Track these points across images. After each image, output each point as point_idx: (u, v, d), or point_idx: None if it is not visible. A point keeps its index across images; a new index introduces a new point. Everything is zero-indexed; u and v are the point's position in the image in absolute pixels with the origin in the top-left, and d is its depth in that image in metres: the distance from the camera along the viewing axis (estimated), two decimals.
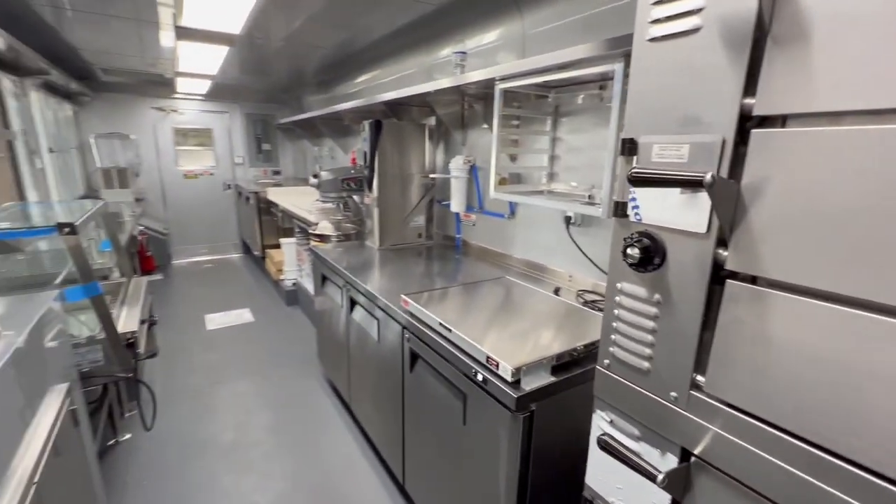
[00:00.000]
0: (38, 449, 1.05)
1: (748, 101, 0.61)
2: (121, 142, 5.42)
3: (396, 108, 2.97)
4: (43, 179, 3.60)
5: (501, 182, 2.13)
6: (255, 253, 5.51)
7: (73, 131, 5.09)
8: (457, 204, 2.63)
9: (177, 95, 5.70)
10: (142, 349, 1.87)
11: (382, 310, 1.88)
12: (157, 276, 5.24)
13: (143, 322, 1.95)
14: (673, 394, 0.74)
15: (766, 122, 0.62)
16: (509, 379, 1.18)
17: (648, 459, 0.79)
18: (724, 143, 0.63)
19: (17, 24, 2.78)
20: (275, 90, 5.75)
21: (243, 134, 6.25)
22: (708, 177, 0.57)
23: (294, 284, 4.45)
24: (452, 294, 1.82)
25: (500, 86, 1.80)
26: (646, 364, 0.78)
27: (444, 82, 2.13)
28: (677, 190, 0.68)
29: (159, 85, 5.23)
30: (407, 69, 3.20)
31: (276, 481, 2.13)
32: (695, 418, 0.71)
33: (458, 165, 2.55)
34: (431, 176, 2.85)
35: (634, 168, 0.65)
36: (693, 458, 0.73)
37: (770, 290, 0.61)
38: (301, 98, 5.74)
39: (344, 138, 4.57)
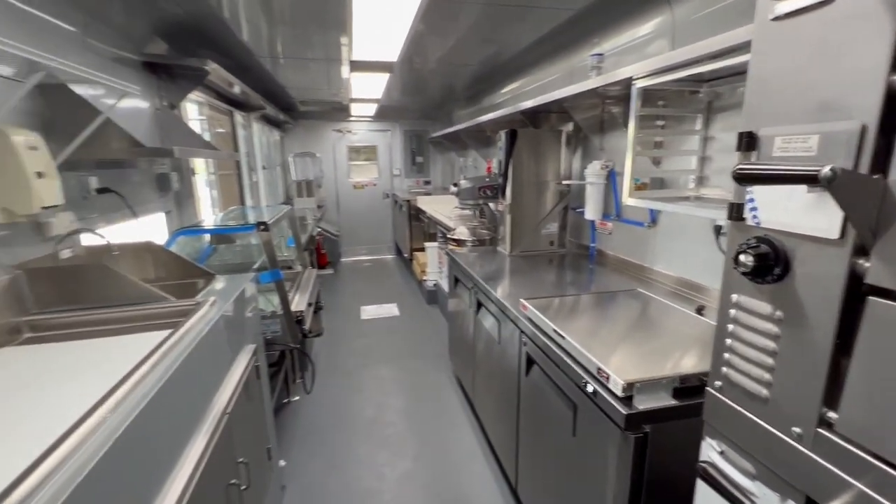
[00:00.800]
0: (232, 388, 1.41)
1: None
2: (310, 159, 6.63)
3: (535, 115, 3.01)
4: (257, 190, 4.66)
5: (640, 187, 1.99)
6: (405, 255, 6.12)
7: (278, 153, 6.43)
8: (592, 211, 2.53)
9: (351, 118, 6.72)
10: (308, 327, 2.29)
11: (503, 312, 1.93)
12: (329, 271, 6.22)
13: (310, 305, 2.38)
14: (796, 429, 0.62)
15: None
16: (619, 394, 1.12)
17: (764, 503, 0.67)
18: (863, 130, 0.52)
19: (246, 73, 3.68)
20: (429, 107, 6.32)
21: (401, 149, 7.02)
22: (826, 170, 0.48)
23: (434, 285, 4.81)
24: (577, 303, 1.77)
25: (638, 84, 1.70)
26: (763, 391, 0.67)
27: (577, 87, 2.09)
28: (803, 188, 0.57)
29: (339, 111, 6.25)
30: (549, 76, 3.21)
31: (404, 460, 2.36)
32: (824, 463, 0.59)
33: (594, 171, 2.46)
34: (566, 182, 2.79)
35: (739, 165, 0.57)
36: None
37: None
38: (451, 113, 6.18)
39: (486, 148, 4.77)
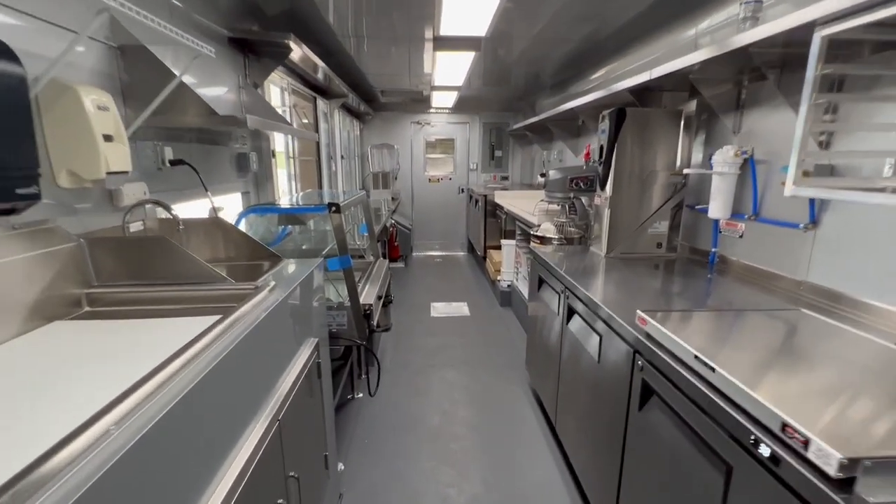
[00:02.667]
0: (287, 389, 1.20)
1: None
2: (388, 151, 6.60)
3: (643, 96, 2.56)
4: (336, 179, 4.64)
5: (804, 174, 1.51)
6: (478, 253, 5.83)
7: (357, 144, 6.46)
8: (719, 208, 2.06)
9: (431, 110, 6.57)
10: (375, 321, 2.08)
11: (608, 325, 1.56)
12: (400, 264, 6.13)
13: (379, 298, 2.18)
14: None
15: None
16: (831, 472, 0.73)
17: None
18: None
19: (330, 59, 3.62)
20: (510, 98, 5.97)
21: (479, 142, 6.74)
22: None
23: (509, 286, 4.47)
24: (717, 322, 1.36)
25: (824, 32, 1.24)
26: None
27: (718, 48, 1.64)
28: None
29: (419, 102, 6.12)
30: (654, 52, 2.74)
31: (471, 483, 2.07)
32: None
33: (725, 158, 1.99)
34: (686, 171, 2.32)
35: None
36: None
37: None
38: (534, 104, 5.78)
39: (575, 139, 4.32)
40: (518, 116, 6.39)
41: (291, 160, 3.26)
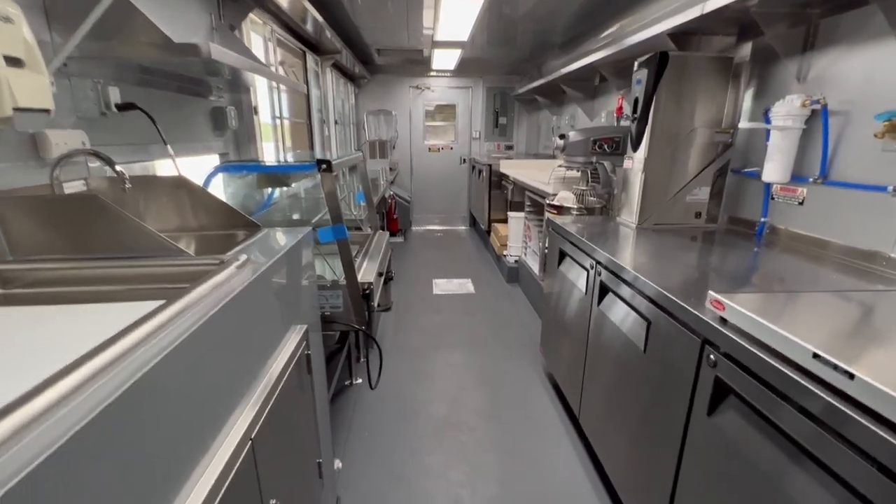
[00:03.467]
0: (265, 394, 0.92)
1: None
2: (385, 117, 6.19)
3: (683, 42, 2.21)
4: (328, 145, 4.27)
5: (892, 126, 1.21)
6: (482, 226, 5.53)
7: (352, 110, 6.04)
8: (776, 170, 1.75)
9: (431, 73, 6.12)
10: (376, 301, 1.80)
11: (659, 306, 1.28)
12: (399, 239, 5.82)
13: (380, 275, 1.89)
14: None
15: None
16: None
17: None
18: None
19: (321, 11, 3.20)
20: (517, 60, 5.54)
21: (482, 108, 6.33)
22: None
23: (516, 262, 4.19)
24: (808, 306, 1.08)
25: None
26: None
27: None
28: None
29: (418, 64, 5.67)
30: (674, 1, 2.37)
31: (486, 482, 1.84)
32: None
33: (790, 110, 1.67)
34: (741, 125, 2.00)
35: None
36: None
37: None
38: (542, 66, 5.34)
39: (591, 101, 3.96)
40: (524, 80, 5.96)
41: (279, 122, 2.90)
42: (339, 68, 5.02)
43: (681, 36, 2.13)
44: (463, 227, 6.67)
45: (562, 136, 2.66)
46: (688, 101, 2.00)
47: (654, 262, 1.61)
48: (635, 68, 2.07)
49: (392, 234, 5.68)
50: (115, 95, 1.34)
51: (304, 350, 1.22)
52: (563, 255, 2.22)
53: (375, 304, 1.82)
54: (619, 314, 1.57)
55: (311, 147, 3.74)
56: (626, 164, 2.23)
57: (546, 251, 2.98)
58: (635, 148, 2.12)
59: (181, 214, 1.37)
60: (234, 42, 2.06)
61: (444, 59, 5.19)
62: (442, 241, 5.93)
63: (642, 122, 2.04)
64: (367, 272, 1.79)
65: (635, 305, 1.46)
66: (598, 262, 1.75)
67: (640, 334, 1.40)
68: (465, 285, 4.15)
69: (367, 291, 1.58)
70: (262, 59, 2.83)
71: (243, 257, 0.97)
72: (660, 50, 2.22)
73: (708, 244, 1.86)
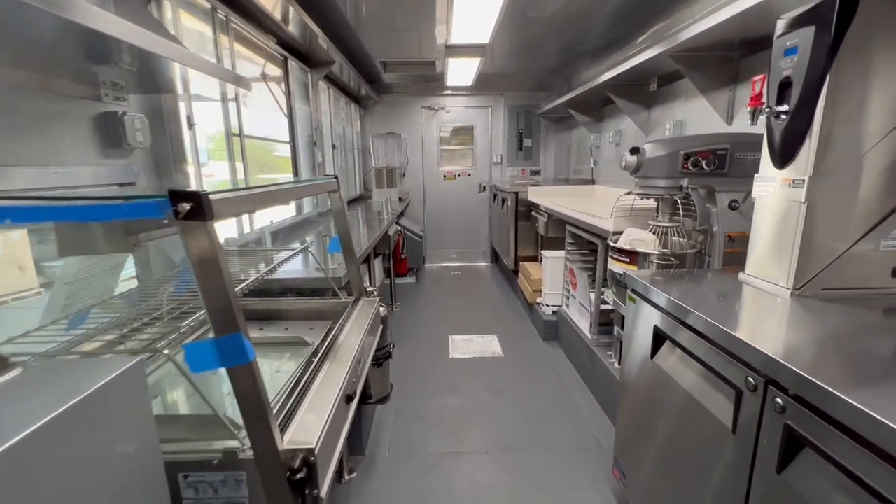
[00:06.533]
0: None
1: None
2: (394, 141, 5.50)
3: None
4: (320, 172, 3.53)
5: None
6: (506, 262, 4.68)
7: (358, 135, 5.38)
8: None
9: (446, 92, 5.45)
10: (322, 489, 0.94)
11: None
12: (410, 280, 5.01)
13: (348, 399, 1.05)
14: None
15: None
16: None
17: None
18: None
19: (312, 12, 2.53)
20: (542, 73, 4.83)
21: (504, 129, 5.59)
22: None
23: (555, 313, 3.31)
24: None
25: None
26: None
27: None
28: None
29: (431, 81, 5.01)
30: None
31: None
32: None
33: None
34: None
35: None
36: None
37: None
38: (572, 78, 4.61)
39: (645, 111, 3.14)
40: (552, 96, 5.23)
41: (237, 140, 2.15)
42: (340, 86, 4.37)
43: None
44: (484, 264, 5.83)
45: (634, 151, 1.83)
46: (889, 84, 1.15)
47: (820, 360, 0.74)
48: (780, 31, 1.25)
49: (400, 276, 4.88)
50: None
51: None
52: (659, 338, 1.35)
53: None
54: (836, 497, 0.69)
55: (296, 175, 3.00)
56: (758, 188, 1.38)
57: (611, 312, 2.13)
58: (783, 161, 1.27)
59: None
60: (144, 18, 1.33)
61: (461, 73, 4.49)
62: (460, 281, 5.09)
63: (801, 118, 1.19)
64: (313, 407, 0.94)
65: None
66: (769, 378, 0.88)
67: None
68: (490, 344, 3.27)
69: (302, 472, 0.72)
70: (213, 57, 2.12)
71: None
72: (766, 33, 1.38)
73: None
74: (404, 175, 5.53)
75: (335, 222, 1.48)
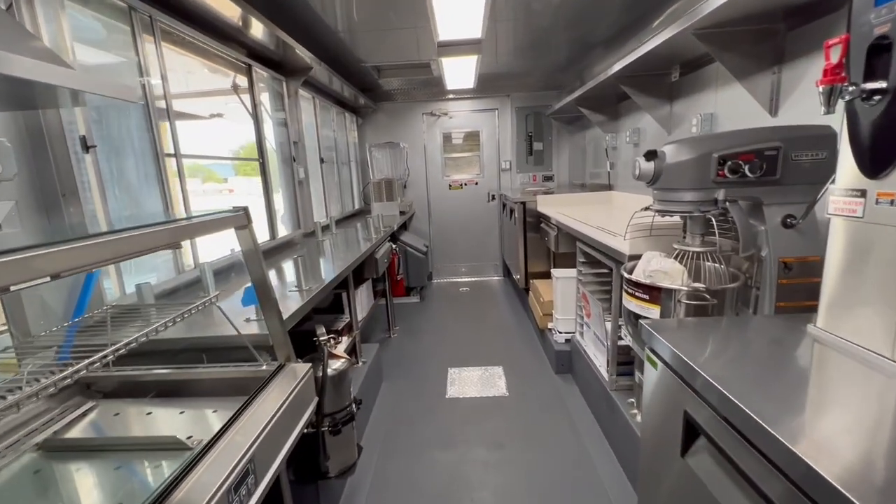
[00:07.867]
0: None
1: None
2: (394, 151, 5.17)
3: None
4: (303, 191, 3.21)
5: None
6: (516, 278, 4.25)
7: (355, 147, 5.08)
8: None
9: (448, 96, 5.09)
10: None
11: None
12: (414, 299, 4.64)
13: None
14: None
15: None
16: None
17: None
18: None
19: (281, 17, 2.23)
20: (551, 70, 4.41)
21: (512, 133, 5.18)
22: None
23: (568, 341, 2.88)
24: None
25: None
26: None
27: None
28: None
29: (431, 86, 4.67)
30: None
31: None
32: None
33: None
34: None
35: None
36: None
37: None
38: (583, 72, 4.17)
39: (667, 105, 2.69)
40: (562, 94, 4.79)
41: (172, 160, 1.83)
42: (329, 95, 4.08)
43: None
44: (496, 278, 5.41)
45: (650, 155, 1.41)
46: None
47: None
48: None
49: (400, 296, 4.53)
50: None
51: None
52: (692, 430, 0.93)
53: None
54: None
55: (267, 199, 2.69)
56: (836, 205, 0.94)
57: (630, 349, 1.73)
58: (878, 167, 0.83)
59: None
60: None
61: (459, 74, 4.11)
62: (468, 299, 4.69)
63: None
64: None
65: None
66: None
67: None
68: (493, 379, 2.86)
69: None
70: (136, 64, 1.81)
71: None
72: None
73: None
74: (406, 187, 5.19)
75: (248, 268, 1.12)
